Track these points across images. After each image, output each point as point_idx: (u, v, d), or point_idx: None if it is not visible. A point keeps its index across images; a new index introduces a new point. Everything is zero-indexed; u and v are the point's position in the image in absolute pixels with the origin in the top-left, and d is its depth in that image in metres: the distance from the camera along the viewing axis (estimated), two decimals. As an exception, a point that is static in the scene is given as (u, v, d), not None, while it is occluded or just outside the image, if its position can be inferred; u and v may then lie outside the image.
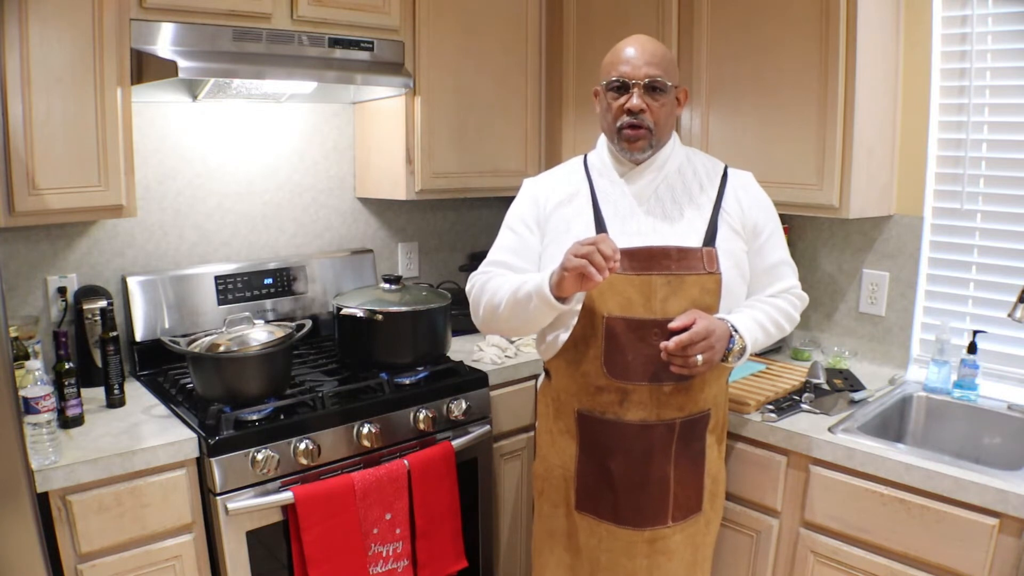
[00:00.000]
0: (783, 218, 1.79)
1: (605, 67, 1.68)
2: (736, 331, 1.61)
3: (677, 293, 1.60)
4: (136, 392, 2.06)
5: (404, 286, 2.28)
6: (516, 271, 1.72)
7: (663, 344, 1.54)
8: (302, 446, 1.87)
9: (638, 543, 1.68)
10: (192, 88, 2.21)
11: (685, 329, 1.55)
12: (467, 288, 1.79)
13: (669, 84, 1.64)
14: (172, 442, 1.74)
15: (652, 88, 1.62)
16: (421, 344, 2.20)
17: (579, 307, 1.63)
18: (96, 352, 2.07)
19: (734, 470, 1.93)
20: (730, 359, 1.62)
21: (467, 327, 2.55)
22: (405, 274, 2.83)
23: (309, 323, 2.06)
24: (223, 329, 1.99)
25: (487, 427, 2.23)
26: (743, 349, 1.63)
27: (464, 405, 2.18)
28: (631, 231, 1.66)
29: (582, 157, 1.81)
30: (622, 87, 1.63)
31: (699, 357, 1.53)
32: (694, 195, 1.70)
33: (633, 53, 1.63)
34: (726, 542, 1.97)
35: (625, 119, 1.63)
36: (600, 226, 1.67)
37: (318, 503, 1.85)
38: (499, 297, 1.66)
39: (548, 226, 1.73)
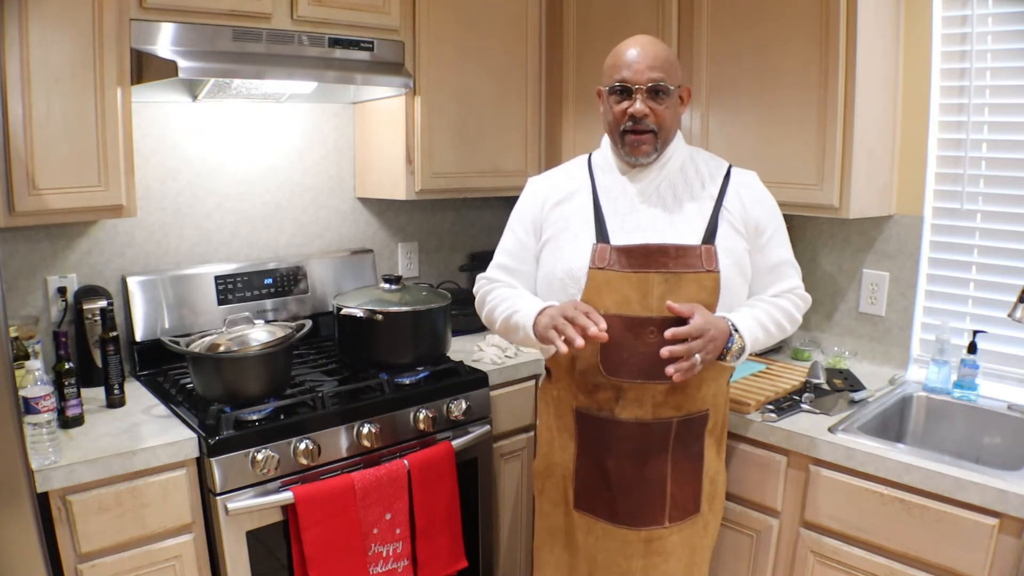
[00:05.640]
0: (783, 218, 1.79)
1: (607, 70, 1.68)
2: (736, 330, 1.61)
3: (675, 291, 1.60)
4: (136, 392, 2.06)
5: (404, 286, 2.28)
6: (516, 274, 1.78)
7: (664, 351, 1.52)
8: (302, 446, 1.87)
9: (634, 543, 1.69)
10: (192, 88, 2.21)
11: (683, 321, 1.55)
12: (474, 289, 1.87)
13: (672, 87, 1.63)
14: (172, 442, 1.74)
15: (655, 91, 1.62)
16: (421, 344, 2.21)
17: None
18: (96, 352, 2.07)
19: (734, 470, 1.93)
20: (728, 358, 1.62)
21: (467, 327, 2.56)
22: (405, 274, 2.83)
23: (309, 323, 2.06)
24: (223, 329, 1.99)
25: (487, 427, 2.23)
26: (742, 349, 1.62)
27: (464, 405, 2.18)
28: (631, 227, 1.66)
29: (587, 156, 1.82)
30: (624, 91, 1.63)
31: (696, 357, 1.53)
32: (695, 192, 1.69)
33: (635, 56, 1.62)
34: (726, 542, 1.97)
35: (628, 123, 1.63)
36: (600, 222, 1.67)
37: (318, 503, 1.85)
38: (495, 315, 1.75)
39: (547, 224, 1.74)
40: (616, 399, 1.65)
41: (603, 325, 1.50)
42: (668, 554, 1.70)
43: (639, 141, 1.64)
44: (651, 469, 1.66)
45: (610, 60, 1.68)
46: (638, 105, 1.61)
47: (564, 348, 1.51)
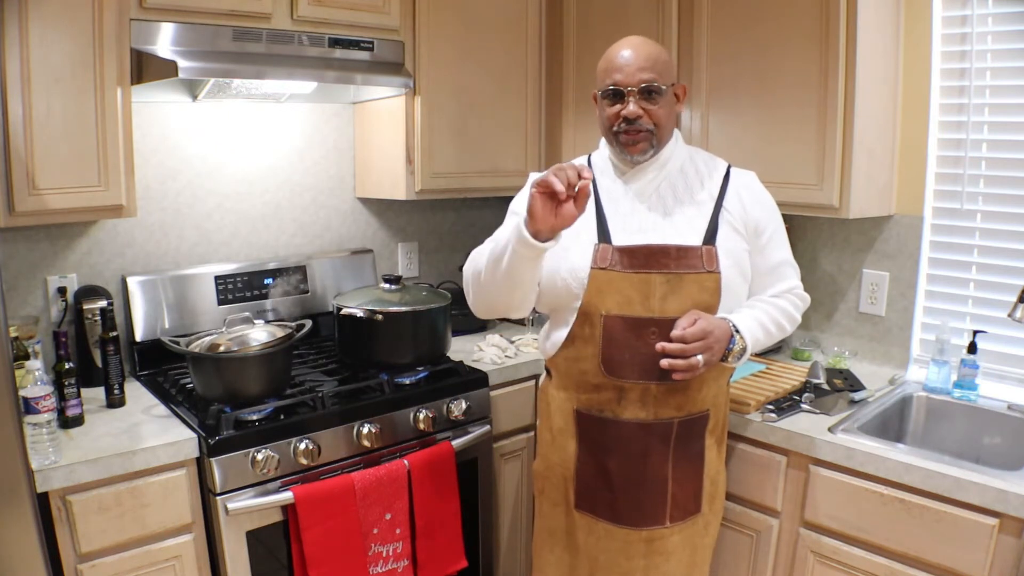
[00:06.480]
0: (783, 218, 1.79)
1: (599, 74, 1.67)
2: (737, 331, 1.61)
3: (676, 292, 1.60)
4: (136, 392, 2.06)
5: (404, 286, 2.28)
6: None
7: (660, 345, 1.54)
8: (302, 446, 1.87)
9: (635, 543, 1.68)
10: (192, 88, 2.21)
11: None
12: (464, 268, 1.76)
13: (664, 86, 1.63)
14: (172, 442, 1.74)
15: (647, 92, 1.62)
16: (421, 344, 2.20)
17: (564, 332, 1.62)
18: (96, 352, 2.07)
19: (734, 470, 1.93)
20: (730, 359, 1.62)
21: (467, 327, 2.56)
22: (405, 274, 2.83)
23: (309, 323, 2.06)
24: (223, 329, 1.99)
25: (487, 427, 2.23)
26: (744, 349, 1.62)
27: (464, 405, 2.18)
28: (632, 228, 1.66)
29: (586, 157, 1.81)
30: (617, 94, 1.63)
31: (699, 357, 1.53)
32: (695, 193, 1.70)
33: (626, 58, 1.62)
34: (726, 542, 1.97)
35: (622, 125, 1.63)
36: (601, 223, 1.66)
37: (318, 503, 1.85)
38: (482, 261, 1.64)
39: None
40: (618, 400, 1.65)
41: (587, 174, 1.40)
42: (669, 554, 1.70)
43: (635, 140, 1.64)
44: (652, 469, 1.66)
45: (602, 64, 1.67)
46: (631, 107, 1.61)
47: (561, 188, 1.38)
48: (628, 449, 1.66)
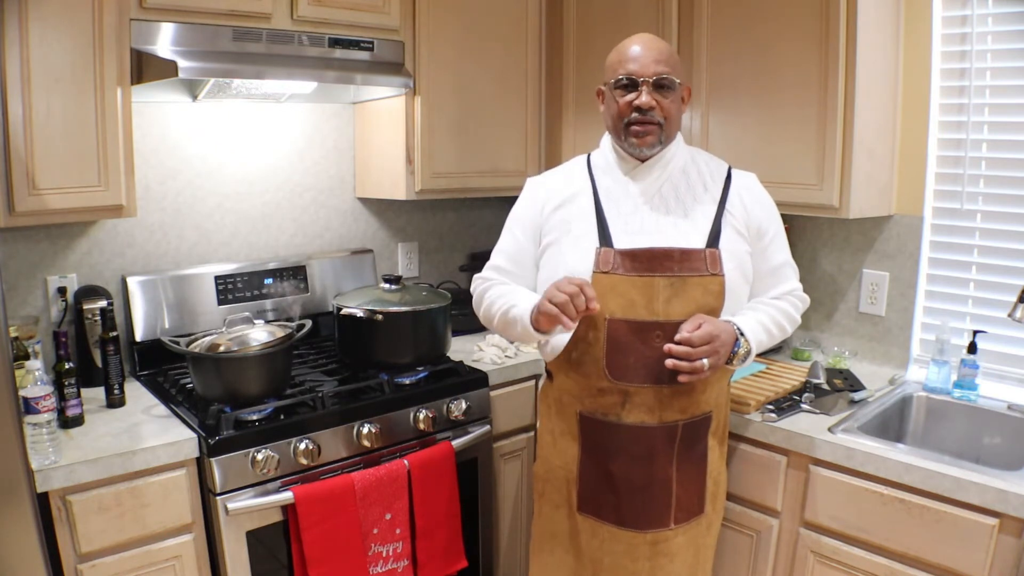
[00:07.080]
0: (783, 218, 1.79)
1: (611, 65, 1.68)
2: (742, 334, 1.61)
3: (680, 295, 1.60)
4: (136, 392, 2.06)
5: (404, 286, 2.28)
6: (513, 276, 1.78)
7: (667, 347, 1.54)
8: (302, 446, 1.87)
9: (640, 545, 1.68)
10: (192, 88, 2.21)
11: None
12: (471, 288, 1.86)
13: (677, 82, 1.64)
14: (172, 442, 1.74)
15: (660, 85, 1.62)
16: (421, 344, 2.20)
17: (567, 336, 1.65)
18: (96, 352, 2.07)
19: (735, 470, 1.93)
20: (735, 362, 1.62)
21: (467, 327, 2.56)
22: (405, 274, 2.83)
23: (309, 323, 2.06)
24: (223, 329, 1.99)
25: (487, 427, 2.23)
26: (748, 352, 1.63)
27: (464, 405, 2.18)
28: (634, 229, 1.65)
29: (585, 156, 1.81)
30: (630, 85, 1.63)
31: (705, 361, 1.53)
32: (698, 195, 1.69)
33: (640, 51, 1.63)
34: (726, 542, 1.97)
35: (634, 115, 1.63)
36: (602, 224, 1.66)
37: (318, 503, 1.85)
38: (492, 311, 1.74)
39: (547, 227, 1.73)
40: (622, 403, 1.64)
41: (592, 295, 1.50)
42: (674, 555, 1.70)
43: (645, 131, 1.64)
44: (657, 472, 1.66)
45: (614, 56, 1.68)
46: (644, 97, 1.61)
47: (573, 327, 1.52)
48: (632, 452, 1.66)
